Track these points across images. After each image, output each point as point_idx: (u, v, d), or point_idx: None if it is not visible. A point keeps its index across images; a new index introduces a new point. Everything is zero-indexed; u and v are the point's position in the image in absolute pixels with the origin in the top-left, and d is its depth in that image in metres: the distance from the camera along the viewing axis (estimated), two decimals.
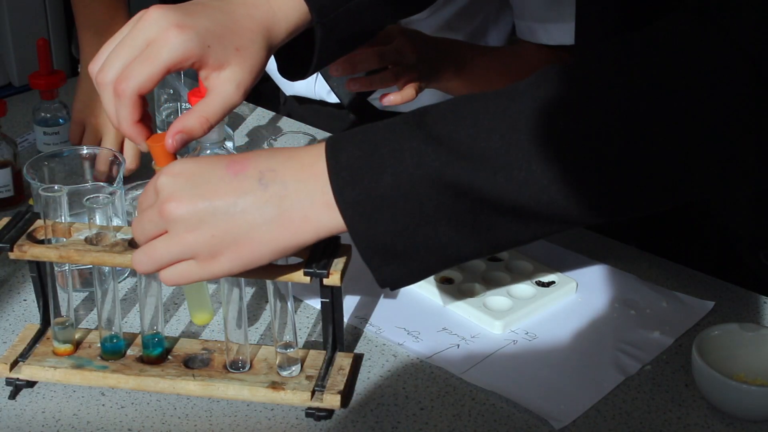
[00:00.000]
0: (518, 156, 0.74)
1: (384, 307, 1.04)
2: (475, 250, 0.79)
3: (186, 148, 1.06)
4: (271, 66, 0.98)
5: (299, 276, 0.85)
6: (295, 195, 0.78)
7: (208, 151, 1.11)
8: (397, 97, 1.18)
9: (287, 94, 1.53)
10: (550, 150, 0.74)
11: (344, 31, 0.97)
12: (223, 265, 0.80)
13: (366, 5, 0.97)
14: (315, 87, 1.49)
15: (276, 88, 1.60)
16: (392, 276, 0.79)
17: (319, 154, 0.79)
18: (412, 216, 0.76)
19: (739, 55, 0.71)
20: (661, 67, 0.74)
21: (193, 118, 0.86)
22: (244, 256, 0.80)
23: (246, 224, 0.79)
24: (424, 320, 1.02)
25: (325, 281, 0.86)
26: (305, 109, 1.54)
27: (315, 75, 1.45)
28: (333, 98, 1.47)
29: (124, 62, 0.85)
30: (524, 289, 1.05)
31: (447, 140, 0.75)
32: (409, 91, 1.19)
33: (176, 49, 0.84)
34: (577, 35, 1.09)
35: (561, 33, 1.33)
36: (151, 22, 0.85)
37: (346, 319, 1.01)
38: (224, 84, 0.87)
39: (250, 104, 1.50)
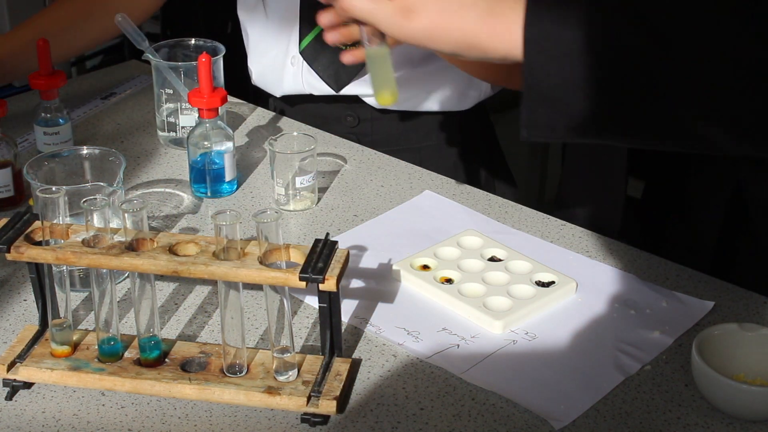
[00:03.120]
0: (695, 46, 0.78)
1: (384, 307, 1.04)
2: (626, 132, 0.82)
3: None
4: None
5: (295, 281, 0.85)
6: (509, 5, 0.82)
7: (222, 148, 1.08)
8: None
9: (277, 96, 1.50)
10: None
11: None
12: (413, 24, 0.84)
13: None
14: (302, 79, 1.45)
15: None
16: (541, 120, 0.82)
17: None
18: (590, 70, 0.79)
19: None
20: None
21: None
22: (435, 27, 0.84)
23: (457, 3, 0.83)
24: (424, 320, 1.02)
25: (321, 286, 0.85)
26: (297, 111, 1.51)
27: (300, 68, 1.44)
28: (321, 89, 1.43)
29: None
30: (524, 289, 1.04)
31: (642, 15, 0.79)
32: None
33: None
34: None
35: None
36: None
37: (346, 320, 1.01)
38: None
39: (250, 104, 1.50)
